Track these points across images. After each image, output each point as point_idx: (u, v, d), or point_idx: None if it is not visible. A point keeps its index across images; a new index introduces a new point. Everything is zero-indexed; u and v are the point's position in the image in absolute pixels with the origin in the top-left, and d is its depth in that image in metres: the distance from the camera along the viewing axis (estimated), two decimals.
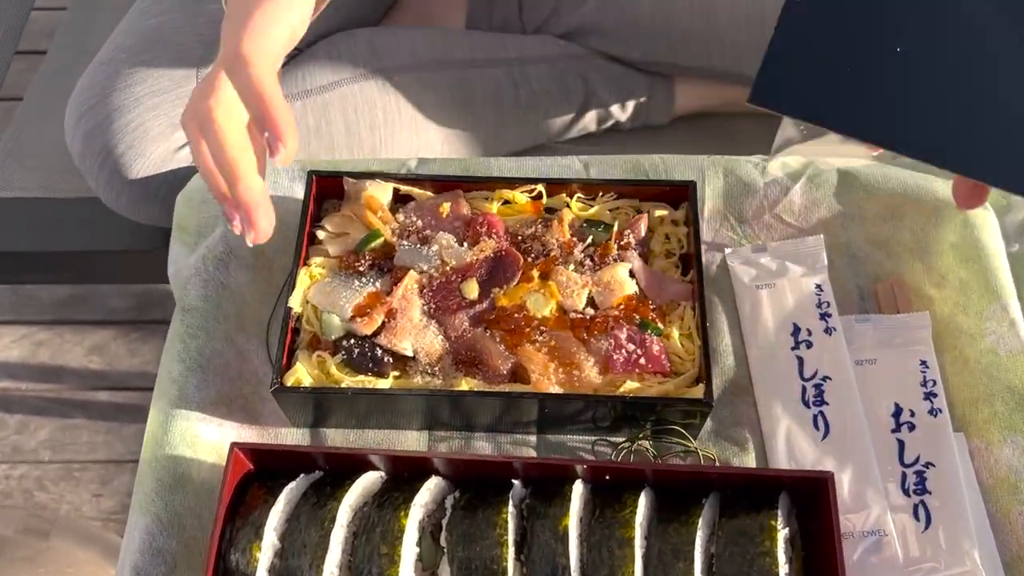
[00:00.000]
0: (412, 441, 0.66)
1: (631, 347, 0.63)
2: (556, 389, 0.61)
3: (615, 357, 0.63)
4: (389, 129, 0.86)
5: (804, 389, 0.67)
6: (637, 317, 0.64)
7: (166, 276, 0.77)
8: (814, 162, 0.77)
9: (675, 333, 0.64)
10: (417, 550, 0.55)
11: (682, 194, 0.71)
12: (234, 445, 0.57)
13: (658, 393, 0.62)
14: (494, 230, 0.68)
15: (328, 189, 0.71)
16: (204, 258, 0.72)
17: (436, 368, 0.63)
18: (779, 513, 0.54)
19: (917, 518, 0.62)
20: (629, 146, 1.00)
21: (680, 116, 1.01)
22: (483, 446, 0.65)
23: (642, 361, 0.63)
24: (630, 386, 0.62)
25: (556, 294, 0.65)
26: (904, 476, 0.64)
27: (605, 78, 0.96)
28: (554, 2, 0.96)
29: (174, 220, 0.77)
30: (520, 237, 0.69)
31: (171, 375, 0.67)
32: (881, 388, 0.67)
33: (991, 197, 0.75)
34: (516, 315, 0.64)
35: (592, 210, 0.71)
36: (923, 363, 0.67)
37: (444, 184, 0.71)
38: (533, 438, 0.66)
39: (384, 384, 0.62)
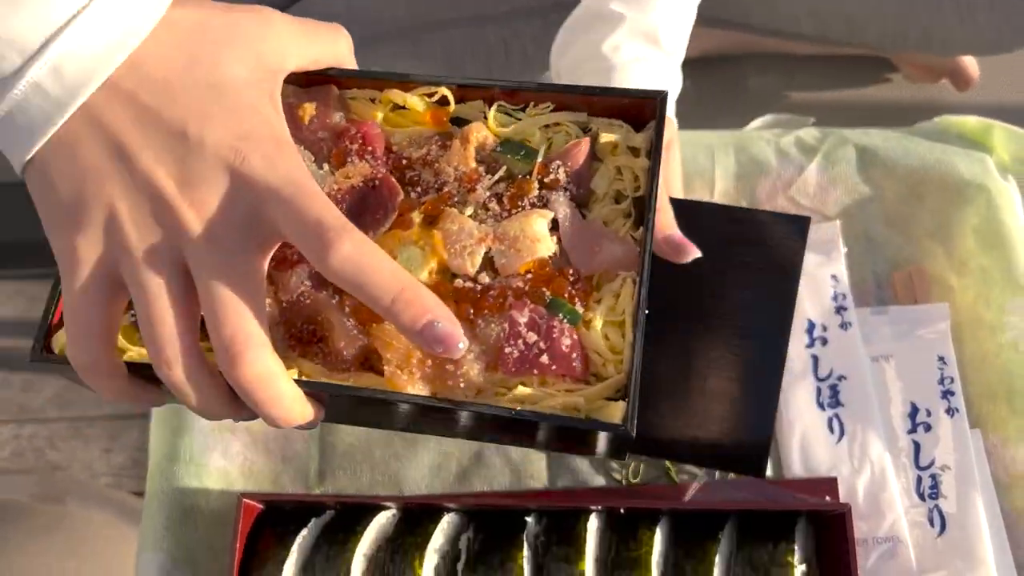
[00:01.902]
0: (421, 456, 0.64)
1: (532, 338, 0.43)
2: (419, 388, 0.43)
3: (507, 351, 0.43)
4: None
5: (819, 390, 0.65)
6: (548, 293, 0.45)
7: None
8: (830, 136, 0.72)
9: (598, 320, 0.44)
10: None
11: (648, 110, 0.48)
12: (242, 497, 0.55)
13: (562, 407, 0.42)
14: (370, 148, 0.48)
15: None
16: None
17: None
18: (796, 547, 0.54)
19: (932, 523, 0.62)
20: None
21: (684, 62, 0.95)
22: (496, 466, 0.64)
23: (544, 359, 0.43)
24: (523, 391, 0.43)
25: (440, 250, 0.46)
26: (919, 479, 0.63)
27: None
28: None
29: None
30: (405, 160, 0.49)
31: (172, 403, 0.65)
32: (897, 386, 0.65)
33: (1012, 167, 0.71)
34: None
35: (517, 125, 0.48)
36: (941, 359, 0.66)
37: (317, 75, 0.49)
38: (543, 464, 0.64)
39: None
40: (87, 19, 0.38)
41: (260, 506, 0.58)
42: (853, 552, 0.53)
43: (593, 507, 0.55)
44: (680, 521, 0.57)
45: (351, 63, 0.48)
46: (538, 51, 0.88)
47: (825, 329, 0.67)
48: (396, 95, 0.49)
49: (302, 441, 0.65)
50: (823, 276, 0.68)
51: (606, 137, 0.48)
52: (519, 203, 0.47)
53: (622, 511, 0.56)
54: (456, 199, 0.47)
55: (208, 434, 0.65)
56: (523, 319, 0.44)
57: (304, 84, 0.49)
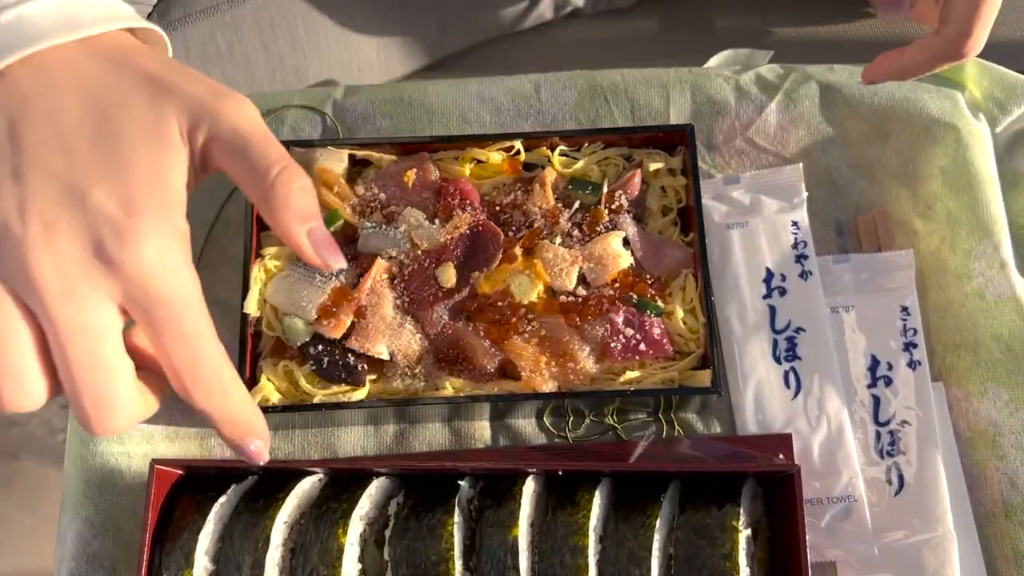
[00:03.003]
0: (357, 417, 0.61)
1: (629, 332, 0.57)
2: (550, 386, 0.56)
3: (612, 345, 0.56)
4: (313, 44, 0.76)
5: (776, 343, 0.62)
6: (634, 296, 0.58)
7: None
8: (793, 73, 0.68)
9: (677, 310, 0.58)
10: (359, 566, 0.52)
11: (678, 138, 0.62)
12: (154, 464, 0.52)
13: (662, 381, 0.57)
14: (468, 201, 0.60)
15: None
16: None
17: (417, 370, 0.57)
18: (741, 511, 0.51)
19: (889, 481, 0.59)
20: (592, 35, 0.89)
21: None
22: (435, 427, 0.61)
23: (642, 347, 0.56)
24: (630, 375, 0.56)
25: (543, 275, 0.58)
26: (878, 435, 0.60)
27: None
28: None
29: None
30: (498, 206, 0.61)
31: None
32: (858, 338, 0.62)
33: (984, 106, 0.67)
34: (500, 303, 0.57)
35: (577, 165, 0.62)
36: (904, 309, 0.62)
37: (407, 145, 0.62)
38: (486, 422, 0.61)
39: (360, 394, 0.56)
40: None
41: (179, 471, 0.55)
42: (802, 514, 0.51)
43: (530, 469, 0.52)
44: (622, 483, 0.54)
45: (261, 125, 0.45)
46: None
47: (784, 279, 0.63)
48: (478, 152, 0.61)
49: None
50: (783, 223, 0.64)
51: (653, 165, 0.61)
52: (596, 228, 0.59)
53: (560, 473, 0.53)
54: (545, 232, 0.60)
55: None
56: (620, 319, 0.57)
57: (400, 153, 0.61)
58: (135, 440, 0.60)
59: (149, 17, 0.75)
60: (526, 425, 0.61)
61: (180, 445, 0.61)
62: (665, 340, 0.57)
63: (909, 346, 0.61)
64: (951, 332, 0.62)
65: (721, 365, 0.58)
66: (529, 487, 0.52)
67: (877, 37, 0.87)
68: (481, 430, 0.61)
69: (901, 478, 0.59)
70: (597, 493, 0.52)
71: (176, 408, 0.61)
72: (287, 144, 0.63)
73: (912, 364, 0.61)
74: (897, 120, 0.66)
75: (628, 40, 0.89)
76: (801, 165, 0.65)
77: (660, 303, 0.58)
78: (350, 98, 0.68)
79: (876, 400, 0.61)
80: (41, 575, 1.16)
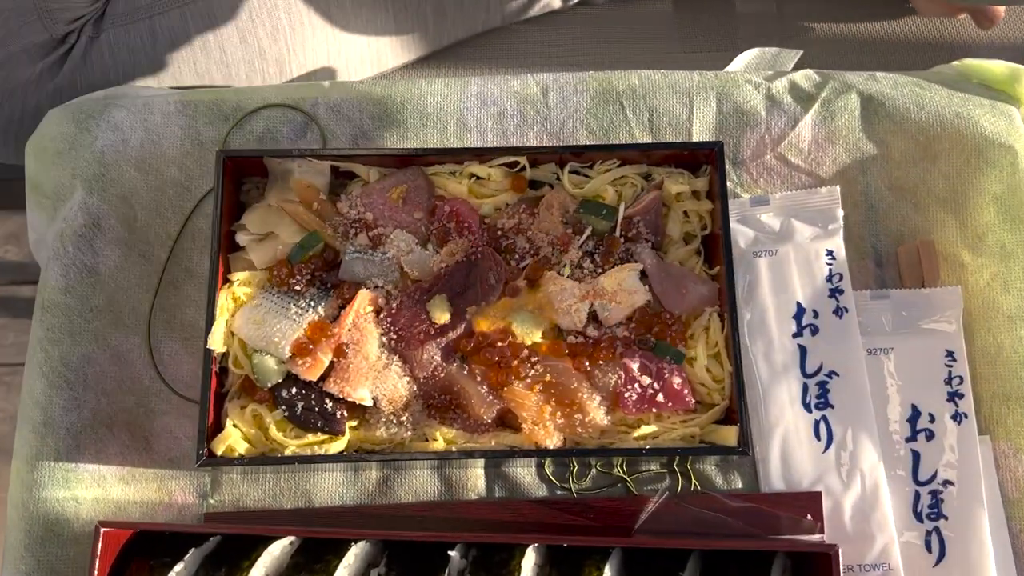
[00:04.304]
0: (335, 474, 0.54)
1: (645, 380, 0.50)
2: (555, 440, 0.50)
3: (626, 395, 0.50)
4: (297, 35, 0.68)
5: (806, 388, 0.55)
6: (652, 338, 0.51)
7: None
8: (831, 81, 0.61)
9: (700, 356, 0.51)
10: None
11: (704, 157, 0.55)
12: (100, 526, 0.45)
13: (681, 437, 0.51)
14: (466, 223, 0.53)
15: (245, 166, 0.56)
16: (62, 235, 0.57)
17: (403, 417, 0.50)
18: None
19: (929, 549, 0.53)
20: (602, 24, 0.82)
21: None
22: (423, 475, 0.54)
23: (659, 399, 0.50)
24: (645, 430, 0.50)
25: (549, 311, 0.51)
26: (917, 496, 0.54)
27: None
28: None
29: (26, 175, 0.61)
30: (500, 230, 0.54)
31: (33, 395, 0.55)
32: (897, 386, 0.56)
33: None
34: (500, 343, 0.51)
35: (590, 184, 0.55)
36: (949, 354, 0.56)
37: (397, 157, 0.55)
38: (480, 470, 0.55)
39: (339, 445, 0.50)
40: None
41: (129, 531, 0.48)
42: None
43: (531, 544, 0.46)
44: (635, 552, 0.48)
45: None
46: None
47: (816, 315, 0.56)
48: (479, 169, 0.54)
49: (192, 440, 0.55)
50: (817, 251, 0.57)
51: (676, 187, 0.54)
52: (610, 258, 0.53)
53: (564, 545, 0.47)
54: (553, 261, 0.53)
55: (78, 433, 0.54)
56: (635, 365, 0.50)
57: (389, 166, 0.54)
58: (84, 483, 0.54)
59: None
60: (525, 475, 0.55)
61: (136, 488, 0.54)
62: (686, 391, 0.51)
63: (954, 396, 0.55)
64: (1000, 380, 0.56)
65: (746, 417, 0.51)
66: (529, 560, 0.46)
67: (915, 39, 0.80)
68: (475, 479, 0.54)
69: (943, 545, 0.53)
70: (607, 569, 0.46)
71: (131, 446, 0.55)
72: (261, 153, 0.56)
73: (957, 417, 0.55)
74: (946, 139, 0.59)
75: (641, 29, 0.82)
76: (838, 187, 0.58)
77: (681, 348, 0.52)
78: (334, 96, 0.60)
79: (916, 456, 0.55)
80: None
